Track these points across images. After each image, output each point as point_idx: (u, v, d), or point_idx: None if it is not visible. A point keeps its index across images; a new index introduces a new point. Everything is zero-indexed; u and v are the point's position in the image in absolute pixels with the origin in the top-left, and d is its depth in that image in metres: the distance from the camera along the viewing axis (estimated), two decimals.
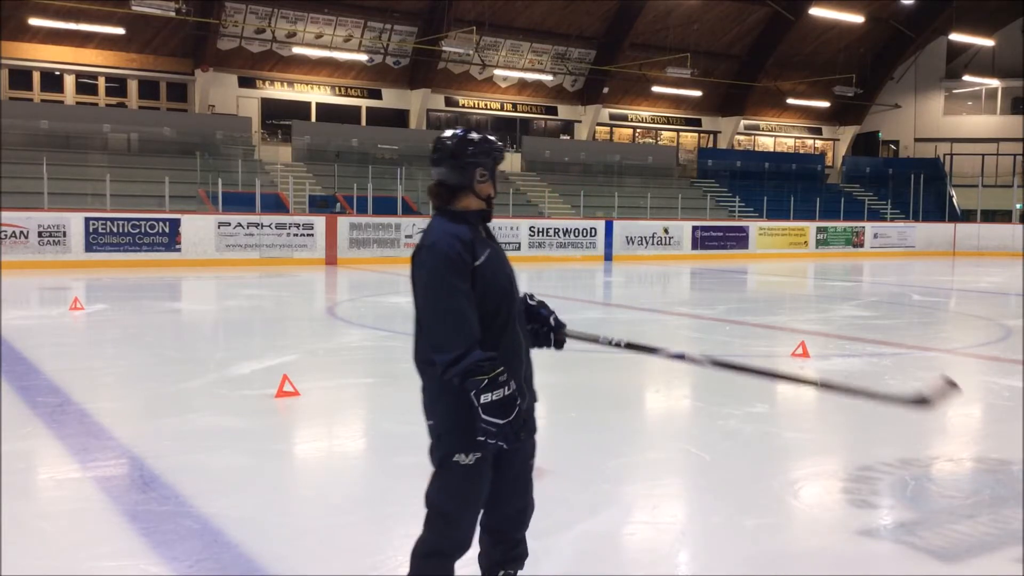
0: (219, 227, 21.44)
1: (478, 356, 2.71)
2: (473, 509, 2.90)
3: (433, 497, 2.90)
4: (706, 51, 36.05)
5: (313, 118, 32.63)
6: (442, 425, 2.85)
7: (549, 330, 3.21)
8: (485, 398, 2.69)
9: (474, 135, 2.96)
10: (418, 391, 2.97)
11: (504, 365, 2.81)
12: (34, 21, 26.38)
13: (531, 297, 3.24)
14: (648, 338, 11.15)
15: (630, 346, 3.38)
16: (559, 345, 3.24)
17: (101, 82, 29.83)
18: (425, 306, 2.81)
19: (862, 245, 32.51)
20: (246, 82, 31.55)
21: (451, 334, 2.72)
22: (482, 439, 2.76)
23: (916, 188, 35.63)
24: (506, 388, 2.71)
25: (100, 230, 20.13)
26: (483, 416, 2.70)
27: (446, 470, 2.85)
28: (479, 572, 3.14)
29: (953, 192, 38.54)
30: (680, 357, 3.37)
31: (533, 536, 3.96)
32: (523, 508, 3.09)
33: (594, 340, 3.39)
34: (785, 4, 35.00)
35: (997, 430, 6.32)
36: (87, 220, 20.02)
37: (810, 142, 44.85)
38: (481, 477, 2.86)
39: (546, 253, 25.69)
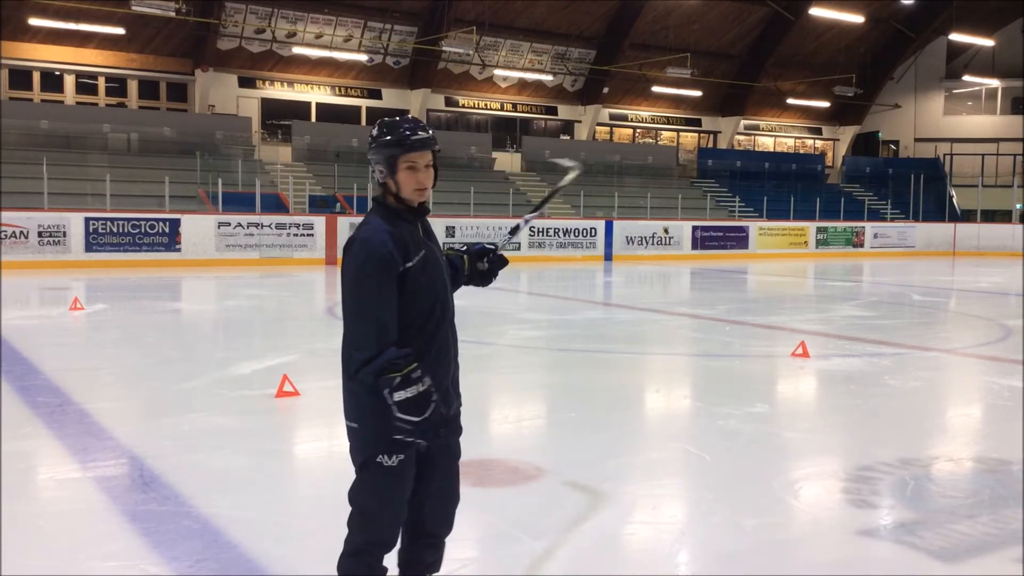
0: (219, 227, 21.44)
1: (392, 354, 2.65)
2: (395, 509, 2.85)
3: (355, 497, 2.86)
4: (706, 51, 36.06)
5: (313, 118, 32.62)
6: (365, 427, 2.78)
7: (494, 254, 3.20)
8: (399, 395, 2.63)
9: (385, 125, 2.80)
10: None
11: (433, 369, 2.78)
12: (34, 21, 26.39)
13: (453, 248, 3.21)
14: (648, 338, 11.21)
15: (512, 231, 3.51)
16: (503, 262, 3.24)
17: (101, 82, 29.84)
18: (347, 302, 2.74)
19: (862, 245, 32.50)
20: (246, 82, 31.56)
21: (368, 334, 2.67)
22: (399, 438, 2.72)
23: (916, 188, 35.62)
24: (420, 385, 2.65)
25: (100, 230, 20.13)
26: (397, 414, 2.65)
27: (369, 472, 2.80)
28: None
29: (953, 192, 38.54)
30: (526, 221, 3.63)
31: (533, 536, 3.97)
32: (453, 508, 3.05)
33: (503, 242, 3.64)
34: (785, 4, 34.99)
35: (997, 430, 6.32)
36: (87, 220, 20.02)
37: (810, 142, 44.84)
38: (403, 478, 2.81)
39: (546, 253, 25.68)
